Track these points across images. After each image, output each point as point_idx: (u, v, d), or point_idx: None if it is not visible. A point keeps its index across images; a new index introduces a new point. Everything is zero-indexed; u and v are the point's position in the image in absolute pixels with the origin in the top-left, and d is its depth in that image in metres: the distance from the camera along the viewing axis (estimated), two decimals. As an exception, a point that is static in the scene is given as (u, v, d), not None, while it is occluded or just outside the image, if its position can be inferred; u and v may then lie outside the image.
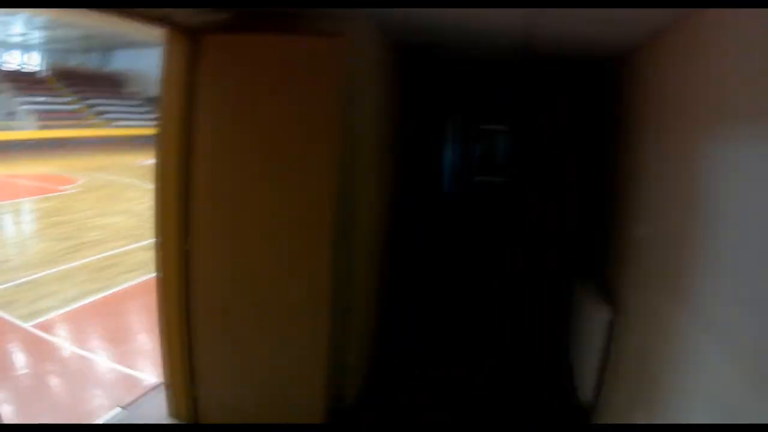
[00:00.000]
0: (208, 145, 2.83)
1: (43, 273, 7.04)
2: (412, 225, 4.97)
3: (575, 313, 4.05)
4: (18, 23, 20.60)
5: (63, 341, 5.01)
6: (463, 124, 5.09)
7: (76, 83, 28.02)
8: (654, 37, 2.81)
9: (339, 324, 3.01)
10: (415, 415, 3.42)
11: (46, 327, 5.26)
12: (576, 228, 4.38)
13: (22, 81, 25.63)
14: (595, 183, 4.14)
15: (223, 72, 2.79)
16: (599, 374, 3.18)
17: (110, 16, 2.31)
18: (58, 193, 13.57)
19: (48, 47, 26.82)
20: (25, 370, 4.47)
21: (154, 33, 2.76)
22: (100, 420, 3.37)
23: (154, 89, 2.70)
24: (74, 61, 29.20)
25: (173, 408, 3.13)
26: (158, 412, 3.21)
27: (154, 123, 2.90)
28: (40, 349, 4.84)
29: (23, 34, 23.23)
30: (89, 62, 30.04)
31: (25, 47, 26.47)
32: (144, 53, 25.43)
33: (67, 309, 5.81)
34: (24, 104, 24.41)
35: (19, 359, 4.74)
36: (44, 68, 27.79)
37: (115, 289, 6.60)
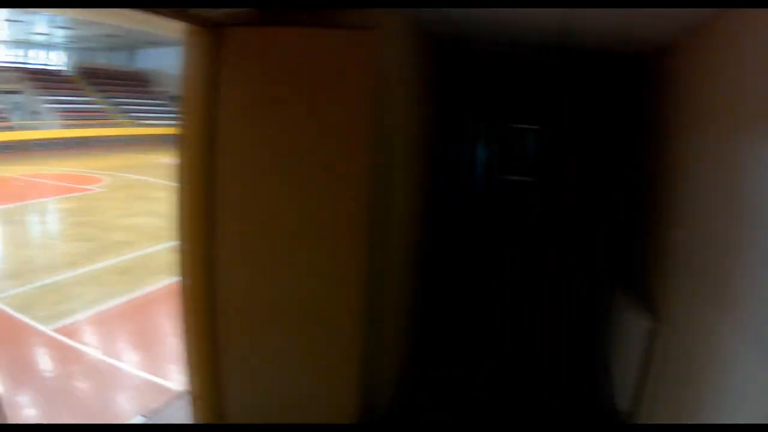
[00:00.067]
0: (232, 144, 2.69)
1: (67, 275, 6.98)
2: (442, 228, 4.81)
3: (611, 320, 3.96)
4: (41, 22, 20.83)
5: (85, 346, 4.91)
6: (493, 122, 4.91)
7: (101, 82, 28.38)
8: (695, 31, 2.69)
9: (371, 333, 2.88)
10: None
11: (68, 331, 5.18)
12: (612, 231, 4.30)
13: (46, 80, 26.01)
14: (631, 185, 4.02)
15: (247, 67, 2.64)
16: (638, 383, 3.10)
17: (126, 10, 2.16)
18: (82, 193, 13.54)
19: (72, 46, 27.18)
20: (45, 376, 4.38)
21: (178, 30, 2.61)
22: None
23: (178, 87, 2.55)
24: (99, 60, 29.55)
25: (197, 418, 3.00)
26: (182, 421, 3.08)
27: (176, 121, 2.75)
28: (60, 354, 4.74)
29: (47, 33, 23.52)
30: (114, 61, 30.39)
31: (50, 46, 26.85)
32: (169, 51, 25.53)
33: (90, 312, 5.73)
34: (48, 103, 24.77)
35: (39, 364, 4.66)
36: (69, 67, 28.16)
37: (140, 292, 6.50)
